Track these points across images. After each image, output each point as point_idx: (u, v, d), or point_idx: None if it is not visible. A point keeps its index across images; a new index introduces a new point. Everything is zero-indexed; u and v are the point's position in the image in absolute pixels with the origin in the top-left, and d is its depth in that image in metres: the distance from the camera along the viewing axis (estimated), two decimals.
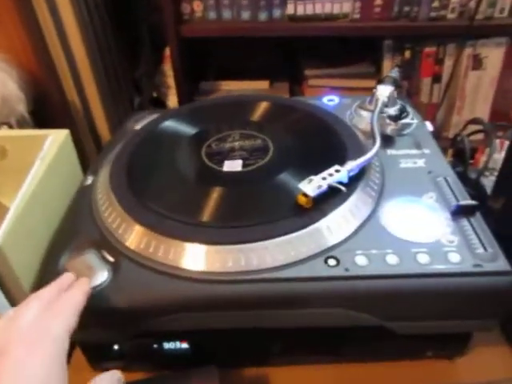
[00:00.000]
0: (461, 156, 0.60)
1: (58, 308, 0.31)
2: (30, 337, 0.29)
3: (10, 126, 0.75)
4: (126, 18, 1.11)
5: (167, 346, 0.43)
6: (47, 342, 0.29)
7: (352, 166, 0.41)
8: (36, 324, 0.30)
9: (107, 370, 0.43)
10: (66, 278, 0.35)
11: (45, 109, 0.86)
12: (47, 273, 0.40)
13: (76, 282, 0.35)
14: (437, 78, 1.03)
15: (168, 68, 1.12)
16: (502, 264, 0.37)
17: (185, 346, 0.43)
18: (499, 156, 0.56)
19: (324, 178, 0.40)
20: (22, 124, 0.78)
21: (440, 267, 0.37)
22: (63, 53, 0.88)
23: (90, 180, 0.50)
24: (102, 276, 0.38)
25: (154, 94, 1.20)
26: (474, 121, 0.64)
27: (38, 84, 0.85)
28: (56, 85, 0.89)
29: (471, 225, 0.40)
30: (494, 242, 0.39)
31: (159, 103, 1.19)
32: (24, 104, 0.78)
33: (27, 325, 0.30)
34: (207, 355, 0.43)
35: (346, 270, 0.37)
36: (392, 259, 0.37)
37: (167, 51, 1.10)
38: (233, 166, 0.46)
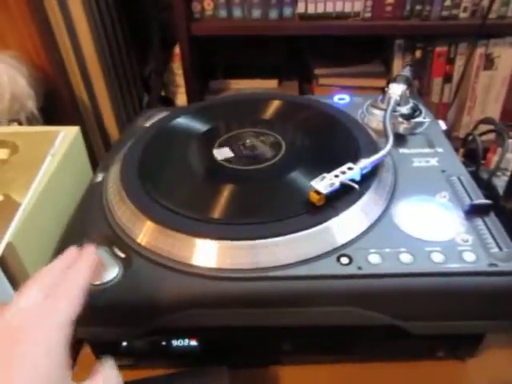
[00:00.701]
0: (472, 156, 0.59)
1: (60, 291, 0.29)
2: (32, 324, 0.27)
3: (20, 123, 0.76)
4: (135, 16, 1.11)
5: (176, 343, 0.43)
6: (51, 330, 0.27)
7: (365, 163, 0.41)
8: (38, 310, 0.28)
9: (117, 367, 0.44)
10: (69, 253, 0.33)
11: (54, 106, 0.87)
12: None
13: (80, 256, 0.33)
14: (448, 78, 1.02)
15: (177, 66, 1.12)
16: None
17: (194, 343, 0.42)
18: (511, 156, 0.55)
19: (336, 176, 0.39)
20: (31, 120, 0.78)
21: (455, 266, 0.36)
22: (73, 50, 0.89)
23: (100, 177, 0.50)
24: (113, 272, 0.38)
25: (163, 93, 1.20)
26: (486, 120, 0.63)
27: (47, 81, 0.86)
28: (65, 82, 0.89)
29: (485, 224, 0.40)
30: (509, 241, 0.38)
31: (168, 102, 1.19)
32: (34, 101, 0.78)
33: (28, 312, 0.28)
34: (216, 353, 0.43)
35: (359, 268, 0.36)
36: (406, 258, 0.37)
37: (176, 49, 1.10)
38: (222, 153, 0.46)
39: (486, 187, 0.55)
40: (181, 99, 1.18)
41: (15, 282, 0.40)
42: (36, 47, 0.83)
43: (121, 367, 0.44)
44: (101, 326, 0.39)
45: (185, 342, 0.42)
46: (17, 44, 0.82)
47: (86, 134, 0.51)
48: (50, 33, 0.84)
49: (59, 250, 0.44)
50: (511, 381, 0.42)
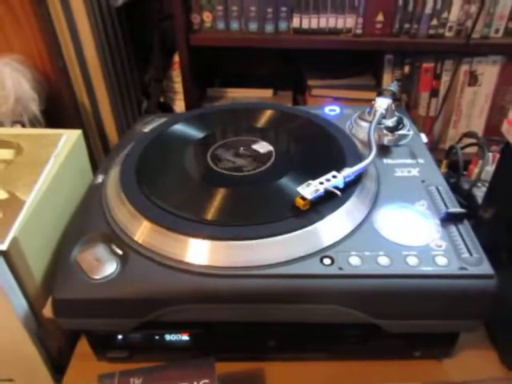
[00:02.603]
0: (455, 167, 0.62)
1: None
2: None
3: (23, 125, 0.78)
4: (137, 24, 1.14)
5: (169, 337, 0.45)
6: None
7: (348, 172, 0.44)
8: None
9: (112, 359, 0.46)
10: None
11: (56, 109, 0.89)
12: (60, 264, 0.42)
13: None
14: (434, 93, 1.06)
15: (176, 74, 1.15)
16: (485, 268, 0.39)
17: (186, 338, 0.45)
18: (491, 169, 0.58)
19: (321, 183, 0.42)
20: (34, 123, 0.80)
21: (428, 269, 0.39)
22: (76, 56, 0.91)
23: (100, 178, 0.52)
24: (111, 268, 0.41)
25: (162, 99, 1.23)
26: (469, 134, 0.66)
27: (50, 85, 0.88)
28: (68, 86, 0.92)
29: (459, 231, 0.42)
30: (479, 247, 0.41)
31: (166, 107, 1.22)
32: (36, 104, 0.80)
33: None
34: (207, 347, 0.45)
35: (340, 268, 0.39)
36: (383, 260, 0.39)
37: (176, 57, 1.13)
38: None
39: (467, 197, 0.58)
40: (179, 105, 1.20)
41: (18, 276, 0.42)
42: (40, 52, 0.86)
43: (116, 359, 0.46)
44: (98, 318, 0.41)
45: (177, 336, 0.45)
46: (22, 48, 0.84)
47: (86, 136, 0.53)
48: (54, 38, 0.87)
49: (62, 246, 0.46)
50: (484, 378, 0.44)
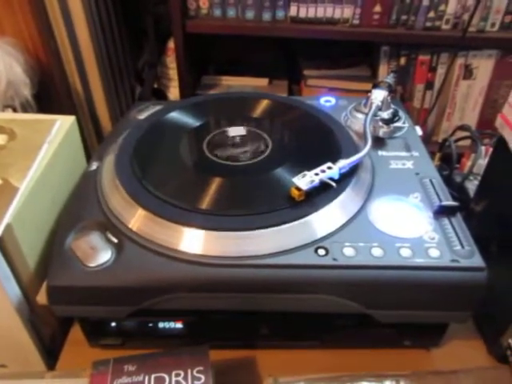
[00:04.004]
0: (448, 160, 0.63)
1: None
2: None
3: (14, 109, 0.77)
4: (131, 8, 1.13)
5: (162, 325, 0.45)
6: None
7: (343, 163, 0.44)
8: None
9: (105, 346, 0.46)
10: None
11: (48, 93, 0.88)
12: (54, 251, 0.42)
13: None
14: (429, 85, 1.06)
15: (171, 60, 1.13)
16: (477, 260, 0.40)
17: (179, 325, 0.45)
18: (484, 162, 0.59)
19: (316, 174, 0.42)
20: (25, 107, 0.79)
21: (420, 261, 0.39)
22: (68, 40, 0.90)
23: (94, 165, 0.52)
24: (106, 256, 0.41)
25: (155, 85, 1.22)
26: (462, 127, 0.67)
27: (42, 69, 0.87)
28: (60, 71, 0.90)
29: (451, 224, 0.43)
30: (471, 240, 0.42)
31: (160, 94, 1.21)
32: (28, 88, 0.79)
33: None
34: (200, 335, 0.46)
35: (334, 259, 0.39)
36: (377, 252, 0.40)
37: (170, 43, 1.11)
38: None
39: (459, 190, 0.59)
40: (173, 92, 1.19)
41: (12, 263, 0.42)
42: (32, 35, 0.84)
43: (109, 346, 0.47)
44: (92, 305, 0.41)
45: (171, 324, 0.45)
46: (13, 31, 0.83)
47: (78, 121, 0.52)
48: (46, 21, 0.85)
49: (56, 233, 0.46)
50: (473, 369, 0.45)
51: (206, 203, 0.43)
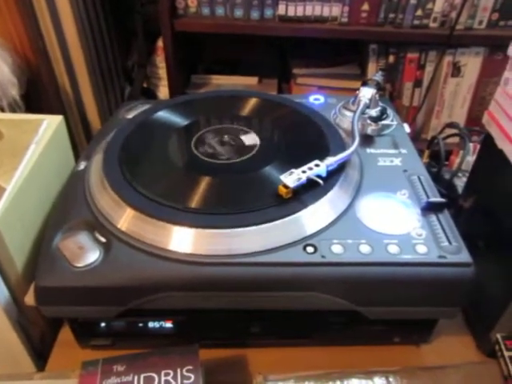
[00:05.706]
0: (436, 157, 0.63)
1: None
2: None
3: (2, 109, 0.76)
4: (119, 7, 1.12)
5: (152, 324, 0.45)
6: None
7: (331, 161, 0.44)
8: None
9: (95, 347, 0.46)
10: None
11: (36, 93, 0.87)
12: (42, 252, 0.42)
13: None
14: (418, 83, 1.07)
15: (160, 59, 1.13)
16: (464, 256, 0.40)
17: (169, 325, 0.45)
18: (472, 159, 0.59)
19: (304, 172, 0.42)
20: (13, 107, 0.79)
21: (408, 257, 0.40)
22: (56, 39, 0.89)
23: (82, 165, 0.51)
24: (94, 255, 0.40)
25: (145, 85, 1.21)
26: (451, 125, 0.67)
27: (30, 69, 0.86)
28: (48, 70, 0.90)
29: (439, 220, 0.43)
30: (458, 236, 0.42)
31: (149, 93, 1.20)
32: (16, 88, 0.78)
33: None
34: (190, 334, 0.46)
35: (323, 256, 0.39)
36: (365, 248, 0.40)
37: (160, 42, 1.11)
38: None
39: (448, 187, 0.59)
40: (162, 92, 1.19)
41: None
42: (20, 35, 0.84)
43: (99, 347, 0.46)
44: (81, 305, 0.41)
45: (160, 324, 0.45)
46: (1, 32, 0.82)
47: (67, 122, 0.52)
48: (34, 21, 0.85)
49: (44, 233, 0.46)
50: (461, 364, 0.46)
51: (194, 202, 0.43)
